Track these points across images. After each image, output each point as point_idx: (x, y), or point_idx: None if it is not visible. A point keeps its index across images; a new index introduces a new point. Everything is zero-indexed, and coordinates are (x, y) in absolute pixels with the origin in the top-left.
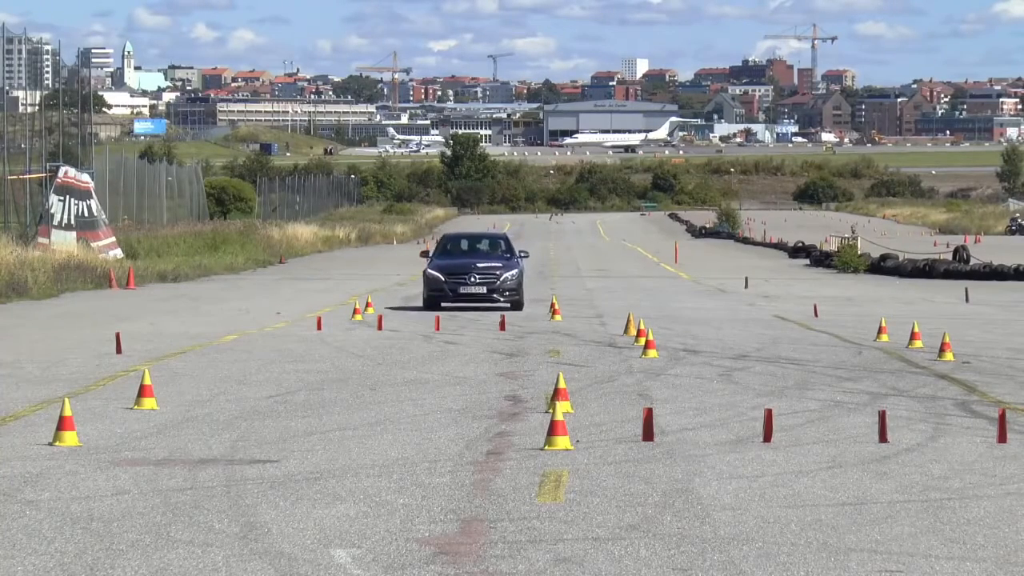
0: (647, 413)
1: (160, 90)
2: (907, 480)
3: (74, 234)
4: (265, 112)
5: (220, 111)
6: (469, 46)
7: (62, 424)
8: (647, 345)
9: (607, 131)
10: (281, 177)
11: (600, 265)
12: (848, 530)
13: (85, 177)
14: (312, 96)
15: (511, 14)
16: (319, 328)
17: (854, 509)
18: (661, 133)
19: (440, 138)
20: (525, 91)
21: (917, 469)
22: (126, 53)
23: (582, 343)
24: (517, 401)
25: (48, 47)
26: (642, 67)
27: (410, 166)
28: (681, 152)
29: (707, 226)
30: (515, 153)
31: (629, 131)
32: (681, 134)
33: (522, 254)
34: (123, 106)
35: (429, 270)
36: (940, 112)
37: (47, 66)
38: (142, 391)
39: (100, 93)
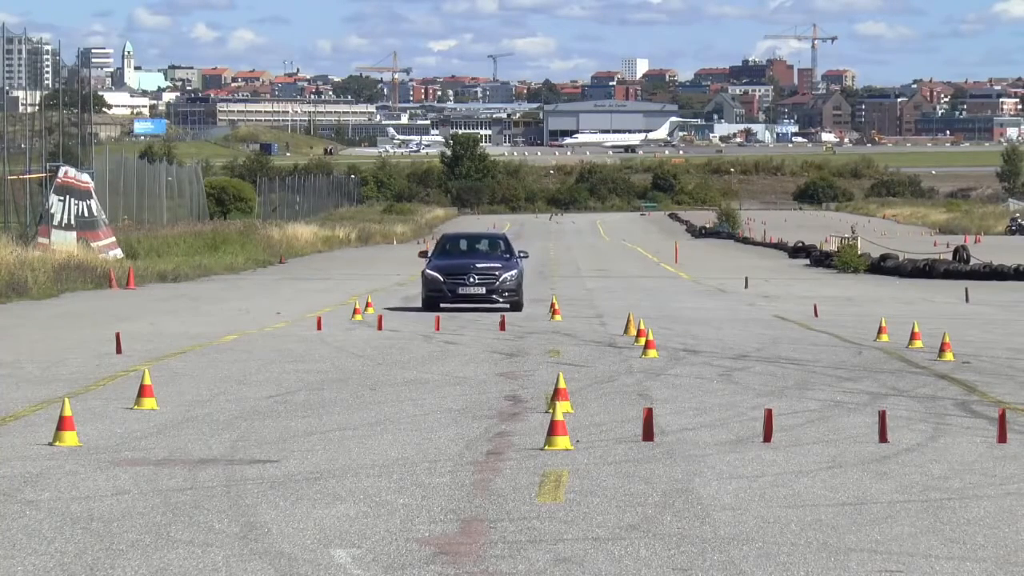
0: (647, 413)
1: (160, 90)
2: (907, 480)
3: (74, 234)
4: (265, 112)
5: (220, 111)
6: (469, 46)
7: (62, 424)
8: (647, 345)
9: (607, 131)
10: (281, 177)
11: (600, 265)
12: (848, 530)
13: (85, 177)
14: (312, 96)
15: (511, 14)
16: (319, 328)
17: (854, 509)
18: (661, 133)
19: (440, 138)
20: (525, 91)
21: (917, 469)
22: (126, 53)
23: (582, 343)
24: (517, 401)
25: (48, 47)
26: (642, 67)
27: (410, 166)
28: (681, 152)
29: (707, 226)
30: (515, 153)
31: (629, 131)
32: (681, 134)
33: (521, 254)
34: (123, 106)
35: (428, 270)
36: (940, 112)
37: (47, 66)
38: (142, 391)
39: (100, 93)
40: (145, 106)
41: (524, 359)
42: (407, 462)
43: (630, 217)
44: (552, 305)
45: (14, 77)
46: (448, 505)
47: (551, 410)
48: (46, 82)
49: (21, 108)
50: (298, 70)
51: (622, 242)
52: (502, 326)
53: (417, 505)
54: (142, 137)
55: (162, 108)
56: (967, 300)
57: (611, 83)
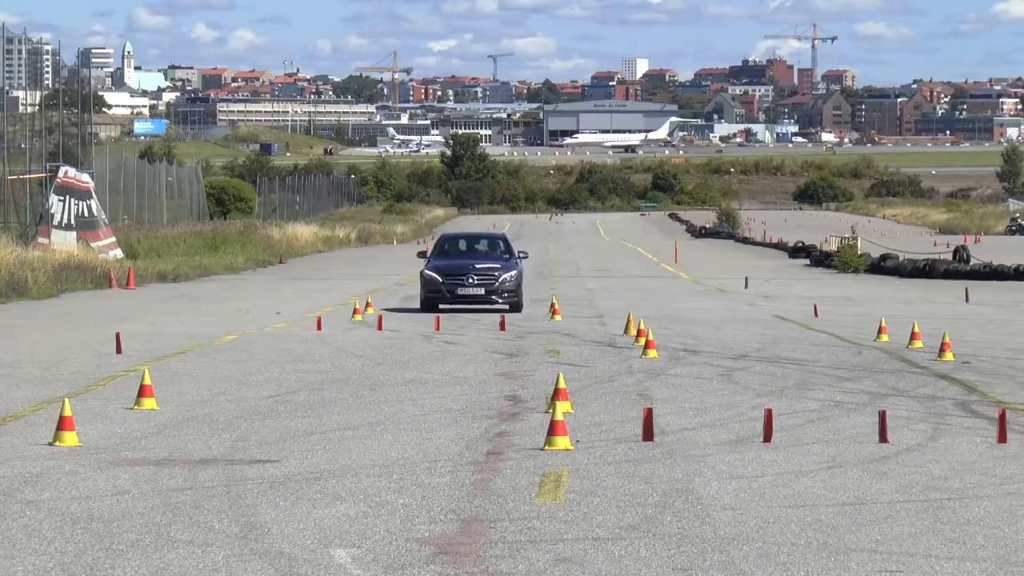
0: (647, 413)
1: (160, 90)
2: (907, 480)
3: (74, 234)
4: (265, 112)
5: (220, 111)
6: (469, 46)
7: (62, 424)
8: (647, 345)
9: (607, 131)
10: (281, 177)
11: (600, 265)
12: (848, 530)
13: (85, 177)
14: (312, 96)
15: (511, 14)
16: (319, 328)
17: (854, 509)
18: (661, 133)
19: (440, 138)
20: (525, 91)
21: (917, 469)
22: (126, 53)
23: (582, 343)
24: (517, 401)
25: (48, 47)
26: (642, 67)
27: (410, 166)
28: (681, 152)
29: (707, 226)
30: (515, 153)
31: (629, 131)
32: (681, 134)
33: (521, 255)
34: (123, 106)
35: (426, 271)
36: (940, 112)
37: (47, 66)
38: (142, 391)
39: (100, 93)
40: (145, 106)
41: (524, 359)
42: (407, 462)
43: (630, 217)
44: (552, 305)
45: (14, 77)
46: (448, 505)
47: (551, 410)
48: (46, 82)
49: (21, 108)
50: (298, 70)
51: (622, 242)
52: (502, 326)
53: (417, 505)
54: (142, 137)
55: (162, 108)
56: (967, 300)
57: (611, 83)
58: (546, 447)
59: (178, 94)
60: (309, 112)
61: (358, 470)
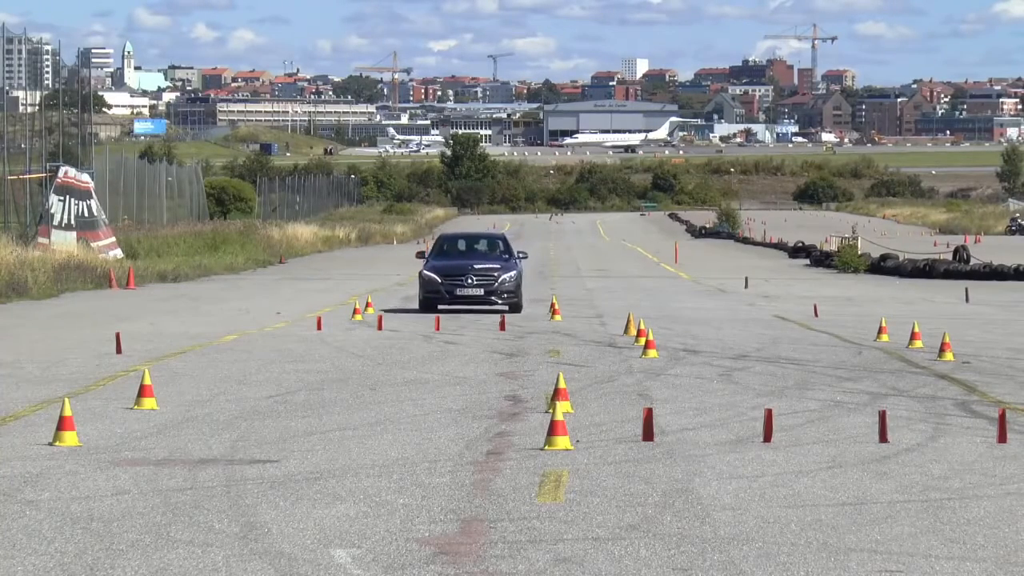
0: (647, 413)
1: (160, 90)
2: (907, 480)
3: (74, 234)
4: (265, 112)
5: (220, 111)
6: (469, 46)
7: (62, 424)
8: (647, 345)
9: (607, 131)
10: (281, 177)
11: (600, 265)
12: (848, 530)
13: (85, 177)
14: (312, 96)
15: (511, 14)
16: (319, 328)
17: (854, 509)
18: (661, 133)
19: (440, 138)
20: (525, 91)
21: (917, 469)
22: (126, 53)
23: (582, 343)
24: (517, 401)
25: (48, 47)
26: (642, 67)
27: (410, 166)
28: (681, 152)
29: (707, 226)
30: (515, 153)
31: (629, 131)
32: (681, 134)
33: (521, 255)
34: (123, 106)
35: (425, 271)
36: (940, 112)
37: (47, 66)
38: (142, 391)
39: (100, 93)
40: (145, 106)
41: (524, 359)
42: (407, 462)
43: (630, 217)
44: (552, 305)
45: (14, 77)
46: (448, 505)
47: (551, 410)
48: (46, 82)
49: (21, 108)
50: (298, 70)
51: (622, 242)
52: (502, 326)
53: (417, 505)
54: (142, 137)
55: (162, 108)
56: (967, 300)
57: (611, 83)
58: (546, 447)
59: (178, 94)
60: (309, 112)
61: (358, 470)
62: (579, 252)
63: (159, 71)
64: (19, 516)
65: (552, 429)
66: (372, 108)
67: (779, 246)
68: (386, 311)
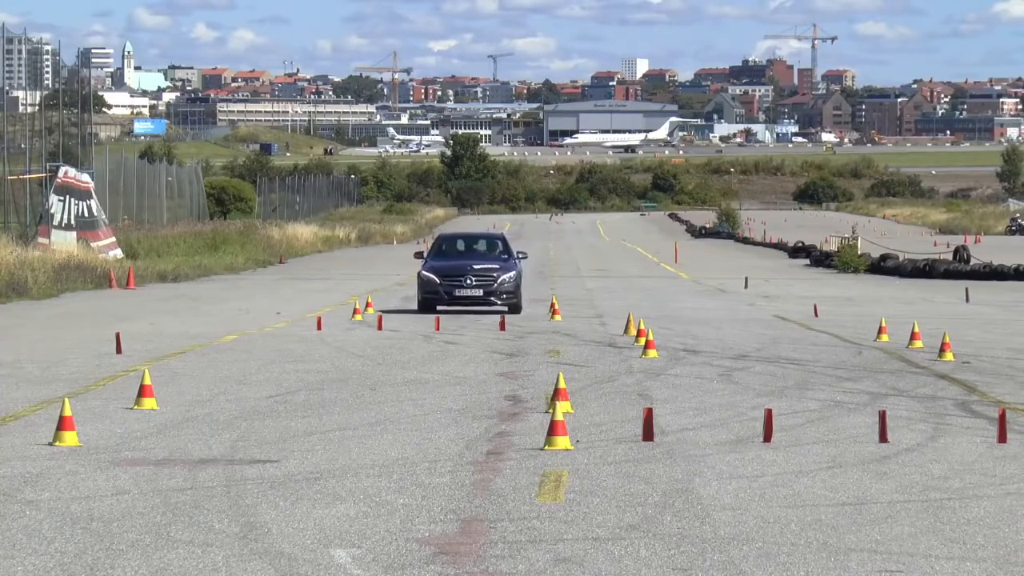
0: (647, 413)
1: (160, 90)
2: (907, 480)
3: (74, 234)
4: (265, 112)
5: (220, 111)
6: (469, 46)
7: (62, 424)
8: (647, 345)
9: (607, 131)
10: (281, 177)
11: (600, 265)
12: (848, 530)
13: (85, 177)
14: (312, 96)
15: (511, 14)
16: (319, 328)
17: (854, 509)
18: (661, 133)
19: (440, 138)
20: (525, 91)
21: (917, 469)
22: (126, 53)
23: (582, 343)
24: (517, 401)
25: (48, 47)
26: (642, 67)
27: (410, 166)
28: (681, 152)
29: (707, 226)
30: (515, 153)
31: (629, 131)
32: (681, 134)
33: (520, 255)
34: (123, 106)
35: (423, 272)
36: (940, 112)
37: (47, 66)
38: (142, 391)
39: (100, 93)
40: (145, 106)
41: (524, 359)
42: (407, 462)
43: (630, 217)
44: (552, 305)
45: (14, 77)
46: (448, 505)
47: (551, 410)
48: (46, 82)
49: (21, 108)
50: (298, 70)
51: (622, 242)
52: (502, 326)
53: (417, 505)
54: (142, 137)
55: (162, 108)
56: (967, 300)
57: (611, 83)
58: (546, 447)
59: (178, 94)
60: (309, 112)
61: (358, 470)
62: (579, 252)
63: (159, 71)
64: (19, 516)
65: (552, 429)
66: (372, 108)
67: (779, 246)
68: (386, 311)
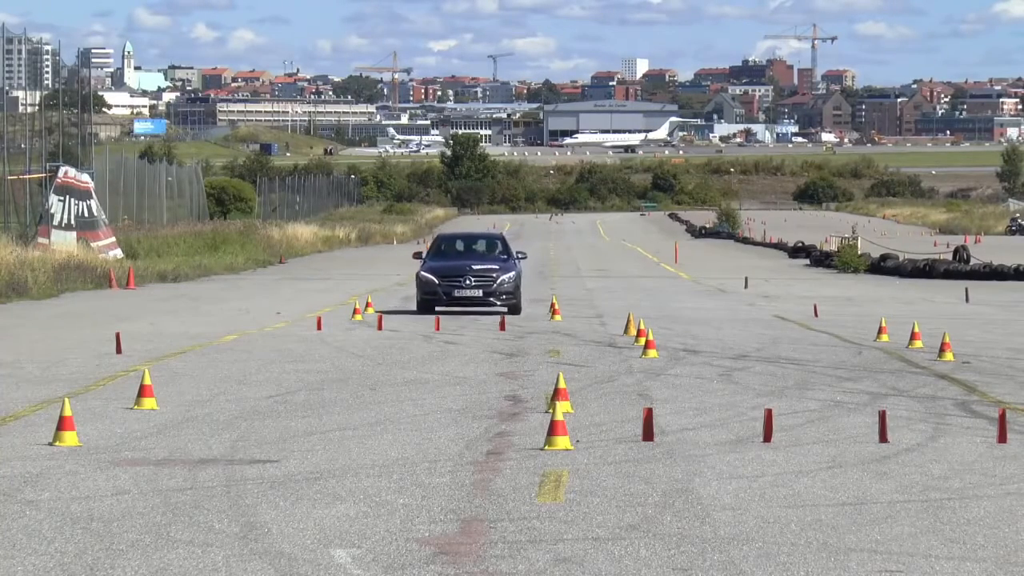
0: (647, 413)
1: (160, 90)
2: (907, 480)
3: (74, 234)
4: (265, 112)
5: (220, 111)
6: (469, 46)
7: (62, 424)
8: (647, 345)
9: (607, 131)
10: (281, 177)
11: (600, 265)
12: (848, 530)
13: (85, 177)
14: (312, 96)
15: (511, 14)
16: (319, 328)
17: (854, 509)
18: (661, 133)
19: (440, 138)
20: (525, 91)
21: (917, 469)
22: (126, 53)
23: (582, 343)
24: (517, 401)
25: (48, 47)
26: (642, 67)
27: (410, 166)
28: (681, 152)
29: (707, 226)
30: (515, 153)
31: (629, 131)
32: (681, 134)
33: (520, 255)
34: (123, 106)
35: (422, 272)
36: (940, 112)
37: (47, 66)
38: (142, 391)
39: (100, 93)
40: (145, 106)
41: (524, 359)
42: (407, 462)
43: (630, 217)
44: (552, 305)
45: (14, 77)
46: (448, 505)
47: (551, 410)
48: (46, 82)
49: (21, 108)
50: (298, 70)
51: (622, 242)
52: (502, 326)
53: (417, 505)
54: (142, 137)
55: (162, 108)
56: (967, 300)
57: (611, 83)
58: (546, 447)
59: (178, 94)
60: (309, 112)
61: (358, 470)
62: (579, 252)
63: (159, 71)
64: (19, 516)
65: (552, 429)
66: (372, 108)
67: (779, 246)
68: (386, 311)
